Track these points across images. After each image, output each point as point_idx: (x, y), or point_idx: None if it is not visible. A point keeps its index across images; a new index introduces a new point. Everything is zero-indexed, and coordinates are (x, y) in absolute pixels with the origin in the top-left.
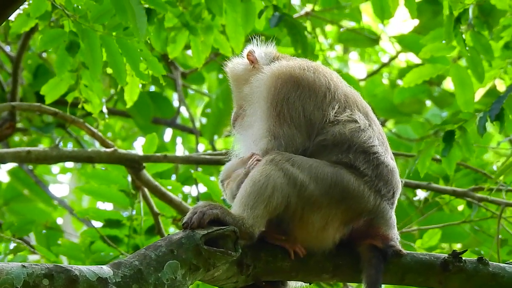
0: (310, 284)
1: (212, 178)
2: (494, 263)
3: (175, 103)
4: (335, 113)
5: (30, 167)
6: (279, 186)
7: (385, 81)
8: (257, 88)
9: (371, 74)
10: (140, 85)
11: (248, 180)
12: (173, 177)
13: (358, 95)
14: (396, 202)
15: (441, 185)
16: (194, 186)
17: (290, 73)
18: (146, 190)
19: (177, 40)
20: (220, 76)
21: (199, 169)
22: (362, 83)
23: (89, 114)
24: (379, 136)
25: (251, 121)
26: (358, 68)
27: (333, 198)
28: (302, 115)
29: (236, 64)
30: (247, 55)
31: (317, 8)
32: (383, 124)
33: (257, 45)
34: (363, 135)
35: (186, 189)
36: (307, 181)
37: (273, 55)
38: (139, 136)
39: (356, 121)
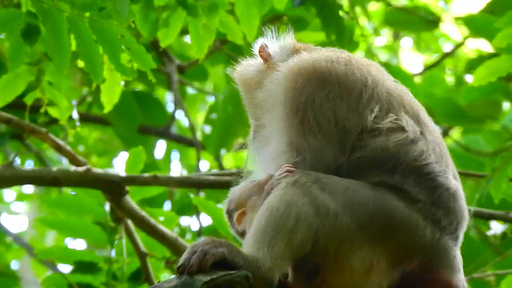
0: None
1: (219, 206)
2: None
3: (169, 107)
4: (375, 118)
5: None
6: (304, 217)
7: (448, 77)
8: (272, 91)
9: (429, 68)
10: (123, 83)
11: (264, 209)
12: (167, 205)
13: (407, 92)
14: (461, 237)
15: None
16: (194, 217)
17: (314, 67)
18: (130, 222)
19: (170, 23)
20: (229, 70)
21: (201, 194)
22: (417, 79)
23: (55, 121)
24: (435, 148)
25: (268, 134)
26: (412, 59)
27: (377, 231)
28: (333, 121)
29: (246, 67)
30: (259, 51)
31: None
32: (445, 133)
33: (271, 36)
34: (413, 149)
35: (184, 220)
36: (342, 210)
37: (291, 47)
38: (121, 150)
39: (403, 129)
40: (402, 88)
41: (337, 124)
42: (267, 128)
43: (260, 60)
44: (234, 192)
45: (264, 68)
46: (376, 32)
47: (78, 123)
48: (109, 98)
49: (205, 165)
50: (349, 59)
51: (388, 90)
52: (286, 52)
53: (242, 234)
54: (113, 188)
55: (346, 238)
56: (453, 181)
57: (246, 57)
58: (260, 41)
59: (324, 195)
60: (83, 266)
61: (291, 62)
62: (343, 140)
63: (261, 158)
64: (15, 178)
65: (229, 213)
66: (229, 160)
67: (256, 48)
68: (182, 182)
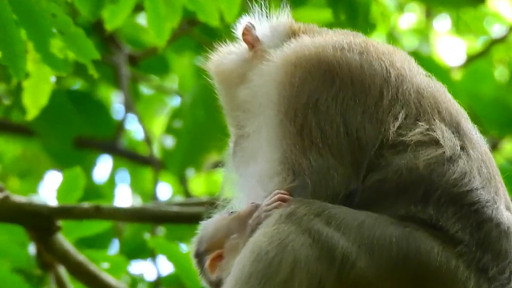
0: None
1: (185, 248)
2: None
3: (117, 111)
4: (400, 127)
5: None
6: (303, 263)
7: (499, 71)
8: (260, 89)
9: (473, 58)
10: (54, 79)
11: (248, 251)
12: (114, 246)
13: (444, 91)
14: None
15: None
16: (150, 262)
17: (318, 56)
18: (62, 269)
19: None
20: (200, 61)
21: (160, 230)
22: (456, 74)
23: None
24: (482, 169)
25: (253, 148)
26: (450, 46)
27: (402, 284)
28: (344, 130)
29: (224, 56)
30: (243, 34)
31: None
32: (494, 147)
33: (259, 14)
34: (452, 169)
35: (136, 267)
36: (355, 253)
37: (286, 28)
38: (50, 170)
39: (437, 143)
40: (436, 85)
41: (348, 135)
42: (253, 140)
43: (244, 46)
44: (206, 228)
45: (250, 56)
46: (401, 9)
47: None
48: (35, 99)
49: (165, 190)
50: (366, 46)
51: (418, 88)
52: (279, 35)
53: (217, 285)
54: (40, 223)
55: None
56: (506, 213)
57: (224, 43)
58: (244, 21)
59: (331, 232)
60: None
61: (286, 49)
62: (357, 158)
63: (244, 181)
64: None
65: (199, 256)
66: (198, 184)
67: (238, 30)
68: (134, 215)
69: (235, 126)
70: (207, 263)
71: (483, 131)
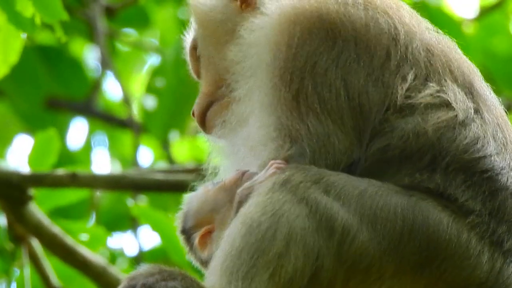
0: None
1: (171, 217)
2: None
3: (93, 69)
4: (408, 89)
5: None
6: (299, 235)
7: None
8: (252, 48)
9: (488, 10)
10: (24, 36)
11: (239, 223)
12: (91, 217)
13: (455, 48)
14: None
15: None
16: (131, 234)
17: (320, 13)
18: (36, 242)
19: None
20: (182, 15)
21: (140, 198)
22: (469, 28)
23: None
24: (496, 133)
25: (244, 113)
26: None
27: (407, 259)
28: (344, 95)
29: (211, 5)
30: None
31: None
32: (508, 108)
33: None
34: (463, 134)
35: (115, 241)
36: (356, 225)
37: None
38: (20, 133)
39: (448, 105)
40: (447, 42)
41: (349, 99)
42: (244, 103)
43: None
44: (191, 201)
45: (237, 9)
46: None
47: None
48: (5, 56)
49: (147, 156)
50: (371, 1)
51: (427, 46)
52: None
53: (208, 263)
54: (10, 191)
55: (362, 268)
56: None
57: None
58: None
59: (329, 202)
60: None
61: (284, 2)
62: (360, 124)
63: (233, 148)
64: None
65: (186, 233)
66: (182, 149)
67: None
68: (114, 183)
69: (222, 89)
70: (196, 240)
71: (498, 92)
